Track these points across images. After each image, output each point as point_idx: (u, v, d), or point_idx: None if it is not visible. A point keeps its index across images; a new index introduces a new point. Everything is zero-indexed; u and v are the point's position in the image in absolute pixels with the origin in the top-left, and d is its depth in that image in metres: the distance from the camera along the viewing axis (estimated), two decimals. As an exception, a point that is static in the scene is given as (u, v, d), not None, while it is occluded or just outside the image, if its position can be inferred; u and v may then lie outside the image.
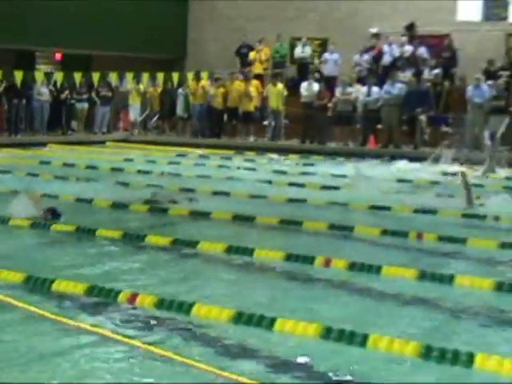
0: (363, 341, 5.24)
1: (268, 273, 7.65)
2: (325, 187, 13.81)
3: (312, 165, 18.18)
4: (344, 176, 15.23)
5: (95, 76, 24.02)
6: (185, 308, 5.92)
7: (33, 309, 5.85)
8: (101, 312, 5.95)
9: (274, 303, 6.47)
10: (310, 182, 14.38)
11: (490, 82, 20.07)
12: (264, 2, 26.98)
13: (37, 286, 6.55)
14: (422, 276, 7.15)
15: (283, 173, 16.37)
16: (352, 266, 7.50)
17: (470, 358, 4.93)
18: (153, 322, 5.75)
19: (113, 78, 24.61)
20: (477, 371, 4.85)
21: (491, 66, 21.35)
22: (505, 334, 5.81)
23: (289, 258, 7.86)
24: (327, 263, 7.62)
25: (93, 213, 10.86)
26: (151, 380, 4.65)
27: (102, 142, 23.26)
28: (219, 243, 8.33)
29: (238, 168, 17.14)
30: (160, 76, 24.48)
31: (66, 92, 23.64)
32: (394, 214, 11.12)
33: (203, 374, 4.66)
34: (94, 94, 24.26)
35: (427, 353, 5.04)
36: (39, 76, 23.21)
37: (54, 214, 9.63)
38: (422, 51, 22.54)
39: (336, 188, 13.68)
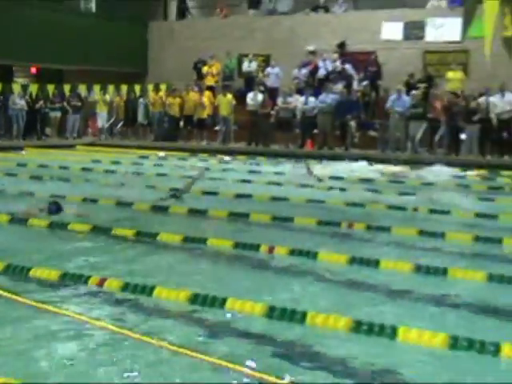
0: (303, 318, 5.26)
1: (219, 259, 7.62)
2: (269, 183, 13.84)
3: (257, 164, 18.20)
4: (283, 174, 15.33)
5: (66, 88, 24.11)
6: (147, 291, 5.87)
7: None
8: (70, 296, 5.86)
9: (225, 285, 6.44)
10: (255, 179, 14.41)
11: (413, 92, 20.26)
12: (215, 23, 27.12)
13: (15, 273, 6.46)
14: (352, 260, 7.19)
15: (233, 171, 16.38)
16: (293, 252, 7.51)
17: (394, 332, 4.98)
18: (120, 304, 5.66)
19: (82, 89, 24.58)
20: (399, 342, 4.91)
21: (411, 79, 21.57)
22: (416, 310, 5.84)
23: (237, 245, 7.83)
24: (271, 250, 7.62)
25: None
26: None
27: (73, 146, 22.96)
28: (176, 234, 8.30)
29: (193, 168, 17.06)
30: (124, 87, 24.53)
31: (41, 102, 23.44)
32: (328, 207, 11.16)
33: (160, 351, 4.59)
34: (65, 104, 24.09)
35: (357, 327, 5.09)
36: (16, 88, 23.02)
37: (57, 208, 9.46)
38: (348, 67, 22.67)
39: (278, 184, 13.71)
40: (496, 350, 4.67)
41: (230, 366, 4.32)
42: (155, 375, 4.30)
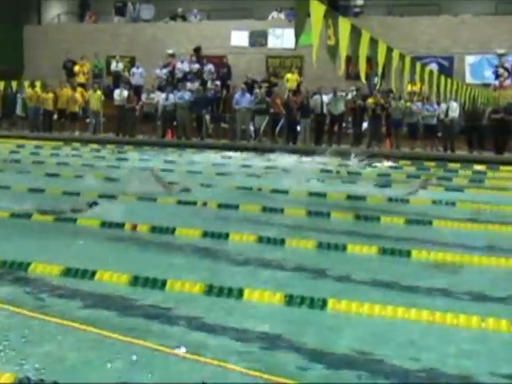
0: (162, 285, 5.25)
1: (89, 236, 7.40)
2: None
3: (125, 152, 17.89)
4: (148, 160, 15.18)
5: None
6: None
7: None
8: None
9: (95, 259, 6.26)
10: (123, 165, 14.16)
11: (256, 91, 20.52)
12: (85, 28, 26.39)
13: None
14: (205, 234, 7.21)
15: (102, 158, 16.01)
16: (154, 229, 7.44)
17: (241, 293, 5.05)
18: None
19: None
20: (245, 302, 4.98)
21: (256, 79, 21.84)
22: (259, 275, 5.93)
23: (103, 224, 7.63)
24: (134, 227, 7.48)
25: None
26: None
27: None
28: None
29: (67, 155, 16.55)
30: (1, 84, 23.24)
31: None
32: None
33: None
34: None
35: (210, 290, 5.14)
36: None
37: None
38: (210, 67, 22.72)
39: (144, 169, 13.50)
40: (323, 304, 4.85)
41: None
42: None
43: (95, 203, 8.62)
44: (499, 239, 7.53)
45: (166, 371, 3.74)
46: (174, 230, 7.36)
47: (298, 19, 4.70)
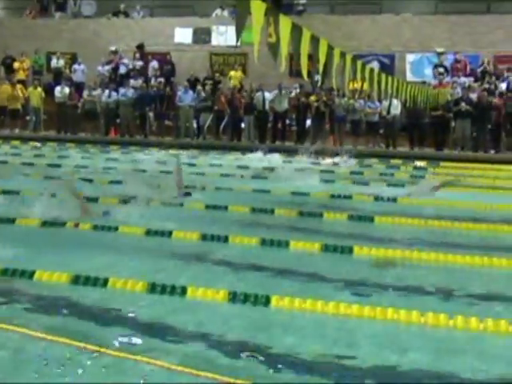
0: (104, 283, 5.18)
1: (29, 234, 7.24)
2: (77, 166, 13.43)
3: (66, 150, 17.57)
4: (90, 159, 14.96)
5: None
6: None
7: None
8: None
9: (34, 260, 6.11)
10: (64, 163, 13.92)
11: (198, 88, 20.45)
12: (24, 24, 25.80)
13: None
14: (149, 232, 7.16)
15: (43, 156, 15.70)
16: (96, 227, 7.34)
17: (184, 290, 5.03)
18: None
19: None
20: (188, 299, 4.96)
21: (199, 77, 21.76)
22: (203, 271, 5.91)
23: (44, 224, 7.48)
24: (76, 225, 7.36)
25: None
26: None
27: None
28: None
29: (6, 154, 16.16)
30: None
31: None
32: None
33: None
34: None
35: (153, 288, 5.10)
36: None
37: None
38: (154, 64, 22.52)
39: (85, 167, 13.33)
40: (266, 301, 4.87)
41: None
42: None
43: (107, 212, 8.11)
44: (439, 234, 7.70)
45: (98, 370, 3.68)
46: (116, 228, 7.27)
47: (239, 17, 4.70)
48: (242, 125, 19.83)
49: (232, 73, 21.93)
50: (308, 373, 3.80)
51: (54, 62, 23.77)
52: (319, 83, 18.44)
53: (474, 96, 18.16)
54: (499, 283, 5.76)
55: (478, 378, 3.79)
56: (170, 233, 7.10)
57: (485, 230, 7.91)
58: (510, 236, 7.73)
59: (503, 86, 19.14)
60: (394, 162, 16.00)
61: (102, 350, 3.88)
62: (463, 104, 17.84)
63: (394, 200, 9.90)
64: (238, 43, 18.79)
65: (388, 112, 18.50)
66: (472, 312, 4.76)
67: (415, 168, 14.91)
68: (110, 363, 3.77)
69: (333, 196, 10.21)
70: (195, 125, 20.28)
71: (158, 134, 20.63)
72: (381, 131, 19.07)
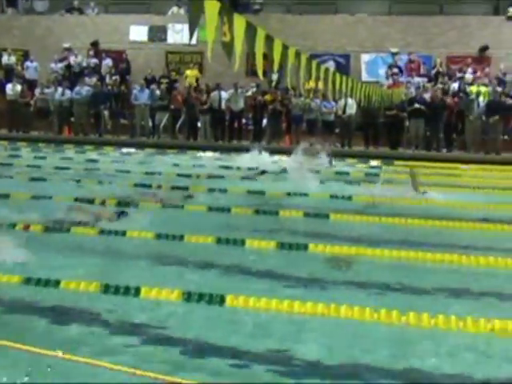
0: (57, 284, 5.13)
1: None
2: (29, 166, 13.22)
3: (18, 149, 17.27)
4: (44, 158, 14.70)
5: None
6: None
7: None
8: None
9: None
10: (16, 162, 13.69)
11: (153, 86, 20.33)
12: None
13: None
14: (102, 232, 7.11)
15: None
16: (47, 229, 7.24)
17: (137, 290, 5.01)
18: None
19: None
20: (142, 299, 4.94)
21: (155, 75, 21.62)
22: (157, 272, 5.89)
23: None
24: (26, 227, 7.23)
25: None
26: None
27: None
28: None
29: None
30: None
31: None
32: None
33: None
34: None
35: (106, 289, 5.07)
36: None
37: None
38: (108, 62, 22.29)
39: (38, 167, 13.14)
40: (221, 300, 4.87)
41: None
42: None
43: (124, 213, 8.02)
44: (394, 231, 7.81)
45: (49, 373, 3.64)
46: (69, 229, 7.19)
47: (192, 16, 4.70)
48: (199, 124, 19.78)
49: (188, 71, 21.87)
50: (258, 370, 3.82)
51: (5, 59, 23.27)
52: (274, 82, 18.52)
53: (427, 96, 18.49)
54: (452, 278, 5.89)
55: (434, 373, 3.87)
56: (124, 232, 7.04)
57: (438, 226, 8.05)
58: (461, 232, 7.88)
59: (455, 85, 19.54)
60: (349, 161, 16.18)
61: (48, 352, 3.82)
62: (417, 104, 18.14)
63: (350, 198, 10.01)
64: (194, 41, 18.86)
65: (344, 111, 18.68)
66: (425, 308, 4.84)
67: (370, 167, 15.08)
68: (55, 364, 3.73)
69: (289, 194, 10.26)
70: (151, 124, 20.16)
71: (114, 133, 20.43)
72: (336, 130, 19.24)
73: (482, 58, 21.26)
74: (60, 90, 20.54)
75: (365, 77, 21.46)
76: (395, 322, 4.58)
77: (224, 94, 19.56)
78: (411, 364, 3.99)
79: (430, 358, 4.08)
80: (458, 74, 20.18)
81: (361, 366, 3.95)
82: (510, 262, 6.20)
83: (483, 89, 18.84)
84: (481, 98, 18.43)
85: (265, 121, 19.69)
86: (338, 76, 10.28)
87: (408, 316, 4.60)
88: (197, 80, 21.49)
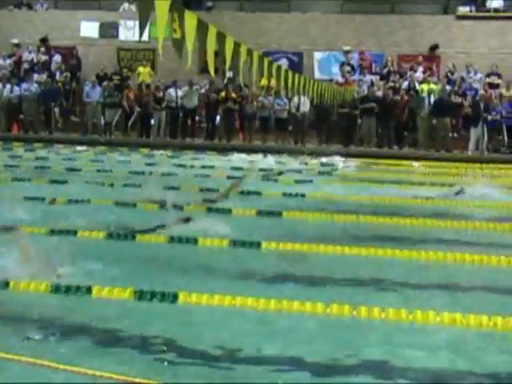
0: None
1: None
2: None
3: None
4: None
5: None
6: None
7: None
8: None
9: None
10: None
11: (104, 83, 20.14)
12: None
13: None
14: (52, 232, 7.01)
15: None
16: None
17: (89, 290, 4.97)
18: None
19: None
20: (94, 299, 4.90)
21: (106, 72, 21.42)
22: (109, 270, 5.82)
23: None
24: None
25: None
26: None
27: None
28: None
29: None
30: None
31: None
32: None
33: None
34: None
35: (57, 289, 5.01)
36: None
37: None
38: (57, 59, 21.98)
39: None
40: (174, 298, 4.88)
41: None
42: None
43: (189, 219, 7.69)
44: (348, 228, 7.92)
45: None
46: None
47: (142, 13, 4.69)
48: (152, 121, 19.66)
49: (141, 68, 21.71)
50: (210, 366, 3.84)
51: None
52: (226, 79, 18.55)
53: (379, 94, 18.76)
54: (406, 273, 6.00)
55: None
56: (75, 232, 6.97)
57: (388, 222, 8.19)
58: (412, 228, 8.03)
59: (406, 84, 19.87)
60: (303, 158, 16.31)
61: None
62: (369, 102, 18.40)
63: (303, 195, 10.10)
64: (146, 38, 18.76)
65: (297, 109, 18.81)
66: (376, 302, 4.92)
67: (322, 165, 15.24)
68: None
69: (242, 193, 10.30)
70: (103, 121, 19.96)
71: (64, 131, 20.17)
72: (290, 128, 19.36)
73: (432, 56, 21.69)
74: (8, 86, 20.19)
75: (317, 75, 21.66)
76: (346, 317, 4.66)
77: (178, 92, 19.49)
78: (361, 356, 4.06)
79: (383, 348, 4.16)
80: (409, 72, 20.52)
81: (310, 360, 4.01)
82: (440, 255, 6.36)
83: (435, 87, 19.21)
84: (432, 96, 18.79)
85: (218, 118, 19.69)
86: (290, 74, 10.36)
87: (359, 310, 4.68)
88: (150, 77, 21.34)
